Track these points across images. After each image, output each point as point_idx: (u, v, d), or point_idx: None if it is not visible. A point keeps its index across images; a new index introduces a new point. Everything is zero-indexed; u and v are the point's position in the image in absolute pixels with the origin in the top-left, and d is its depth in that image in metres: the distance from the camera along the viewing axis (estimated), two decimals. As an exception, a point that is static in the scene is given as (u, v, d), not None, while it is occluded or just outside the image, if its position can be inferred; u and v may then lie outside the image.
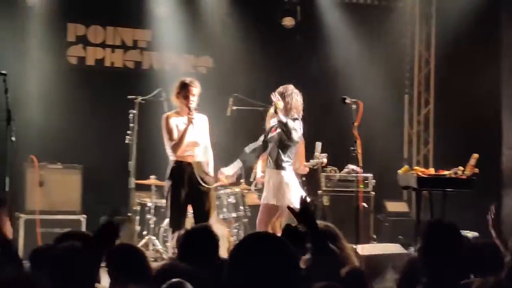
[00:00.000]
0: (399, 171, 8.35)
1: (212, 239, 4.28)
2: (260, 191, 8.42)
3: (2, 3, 9.71)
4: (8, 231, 4.41)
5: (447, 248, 3.71)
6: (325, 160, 8.02)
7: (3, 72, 6.74)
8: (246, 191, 9.19)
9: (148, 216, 9.05)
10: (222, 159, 7.91)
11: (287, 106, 7.13)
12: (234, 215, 9.07)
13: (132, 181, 8.35)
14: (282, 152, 7.15)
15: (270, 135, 7.30)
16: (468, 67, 10.71)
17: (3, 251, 4.14)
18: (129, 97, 8.41)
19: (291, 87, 7.24)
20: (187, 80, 7.26)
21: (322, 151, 8.06)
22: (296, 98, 7.19)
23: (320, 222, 4.76)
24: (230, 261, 2.45)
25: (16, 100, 7.86)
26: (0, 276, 2.98)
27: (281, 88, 7.24)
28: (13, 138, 6.73)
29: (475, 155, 7.82)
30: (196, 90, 7.18)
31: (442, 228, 3.85)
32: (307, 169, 8.07)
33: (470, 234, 8.01)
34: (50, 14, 10.06)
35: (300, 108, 7.21)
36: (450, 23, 10.94)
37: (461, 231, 3.85)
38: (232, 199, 9.05)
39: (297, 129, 7.06)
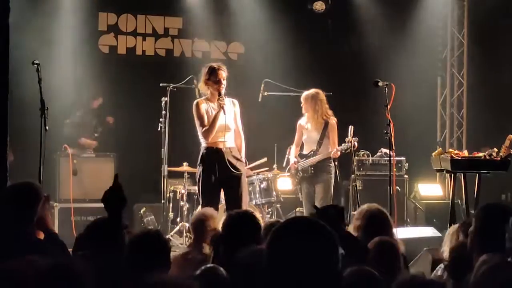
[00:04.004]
0: (433, 154, 8.27)
1: (255, 225, 4.25)
2: (293, 176, 8.43)
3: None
4: (51, 223, 4.49)
5: (500, 232, 3.63)
6: (356, 144, 7.97)
7: (36, 62, 6.75)
8: (279, 176, 9.17)
9: (181, 203, 9.07)
10: (254, 144, 7.91)
11: None
12: (266, 200, 9.06)
13: (165, 169, 8.37)
14: None
15: None
16: (502, 48, 10.56)
17: (49, 242, 4.22)
18: (161, 84, 8.43)
19: None
20: (215, 65, 7.22)
21: (355, 135, 8.01)
22: None
23: (372, 205, 4.73)
24: (269, 245, 2.44)
25: (49, 89, 7.93)
26: (46, 262, 3.03)
27: None
28: (47, 128, 6.77)
29: (510, 136, 7.72)
30: (224, 74, 7.17)
31: (496, 211, 3.77)
32: (338, 153, 8.03)
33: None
34: (81, 4, 10.13)
35: None
36: (484, 4, 10.78)
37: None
38: (264, 185, 9.05)
39: None
